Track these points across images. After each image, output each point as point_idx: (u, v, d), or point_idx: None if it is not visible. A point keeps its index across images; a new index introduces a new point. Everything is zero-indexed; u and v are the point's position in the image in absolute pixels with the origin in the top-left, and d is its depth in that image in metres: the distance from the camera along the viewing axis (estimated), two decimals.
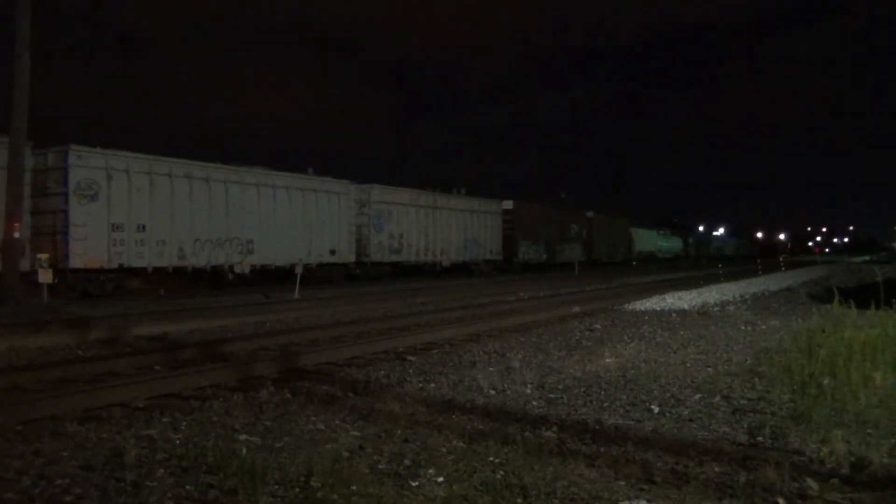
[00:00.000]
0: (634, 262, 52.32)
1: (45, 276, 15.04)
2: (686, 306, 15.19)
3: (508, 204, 35.54)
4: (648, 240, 60.83)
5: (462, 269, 31.14)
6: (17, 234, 14.29)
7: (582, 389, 6.46)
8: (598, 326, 11.55)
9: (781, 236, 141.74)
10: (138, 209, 17.55)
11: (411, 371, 7.51)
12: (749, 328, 11.35)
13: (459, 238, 30.74)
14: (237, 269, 20.23)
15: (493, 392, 6.36)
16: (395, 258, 26.75)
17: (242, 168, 21.01)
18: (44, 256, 15.34)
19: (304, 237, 22.45)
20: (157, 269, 18.12)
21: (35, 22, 14.52)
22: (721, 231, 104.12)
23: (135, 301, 15.89)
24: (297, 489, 3.68)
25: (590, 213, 45.50)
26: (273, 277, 21.66)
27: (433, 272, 29.28)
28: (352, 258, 24.57)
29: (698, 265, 49.67)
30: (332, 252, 23.64)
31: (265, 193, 21.23)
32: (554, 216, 39.91)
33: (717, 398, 6.13)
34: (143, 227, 17.66)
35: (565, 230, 41.10)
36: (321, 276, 23.10)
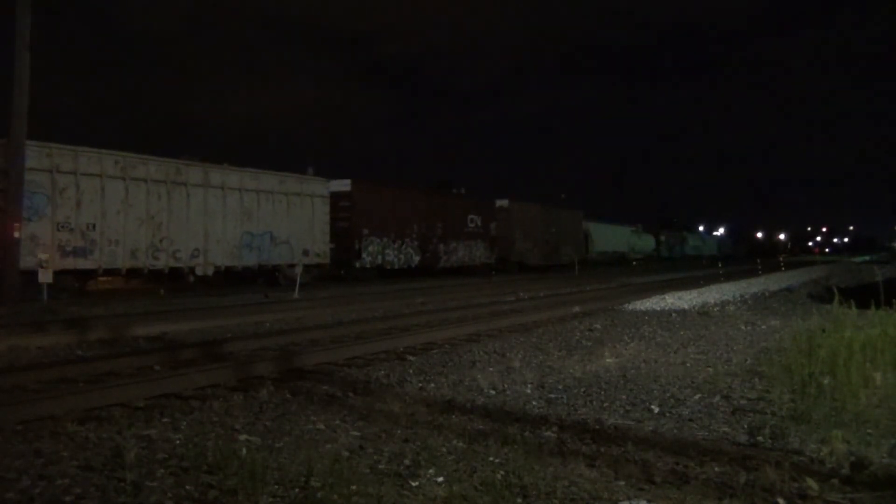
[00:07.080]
0: (635, 265, 49.06)
1: (46, 276, 15.05)
2: (686, 306, 15.18)
3: (343, 185, 24.39)
4: (614, 237, 51.76)
5: (264, 278, 21.69)
6: (17, 234, 14.28)
7: (582, 389, 6.45)
8: (597, 326, 11.54)
9: (781, 236, 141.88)
10: None
11: (411, 371, 7.50)
12: (749, 328, 11.34)
13: (235, 232, 20.36)
14: None
15: (493, 392, 6.36)
16: (76, 263, 16.64)
17: None
18: (45, 256, 15.35)
19: None
20: None
21: (35, 20, 14.52)
22: (721, 230, 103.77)
23: (135, 301, 15.92)
24: (297, 489, 3.68)
25: (503, 202, 35.04)
26: None
27: (180, 285, 18.96)
28: None
29: (697, 265, 49.29)
30: None
31: None
32: (434, 203, 29.65)
33: (717, 398, 6.12)
34: None
35: (457, 223, 31.05)
36: None
